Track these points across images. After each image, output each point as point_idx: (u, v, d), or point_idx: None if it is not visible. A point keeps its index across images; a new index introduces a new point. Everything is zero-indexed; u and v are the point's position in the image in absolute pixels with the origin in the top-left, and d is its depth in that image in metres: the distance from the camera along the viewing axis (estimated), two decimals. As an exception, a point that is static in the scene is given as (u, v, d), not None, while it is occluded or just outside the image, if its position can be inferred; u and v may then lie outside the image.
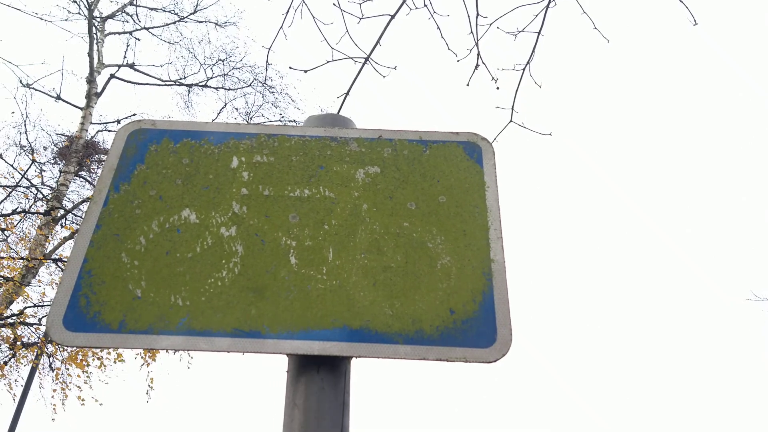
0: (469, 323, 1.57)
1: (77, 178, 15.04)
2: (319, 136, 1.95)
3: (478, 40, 6.02)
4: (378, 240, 1.71)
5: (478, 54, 6.25)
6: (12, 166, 12.37)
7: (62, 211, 12.57)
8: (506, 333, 1.56)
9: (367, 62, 5.73)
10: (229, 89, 16.89)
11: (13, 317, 10.20)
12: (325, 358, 1.53)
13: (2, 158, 13.11)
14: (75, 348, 1.48)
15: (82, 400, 11.98)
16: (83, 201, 14.51)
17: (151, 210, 1.75)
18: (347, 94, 5.42)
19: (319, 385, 1.50)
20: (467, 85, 5.51)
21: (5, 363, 11.21)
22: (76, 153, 14.79)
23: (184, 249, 1.67)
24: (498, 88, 7.12)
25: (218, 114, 16.35)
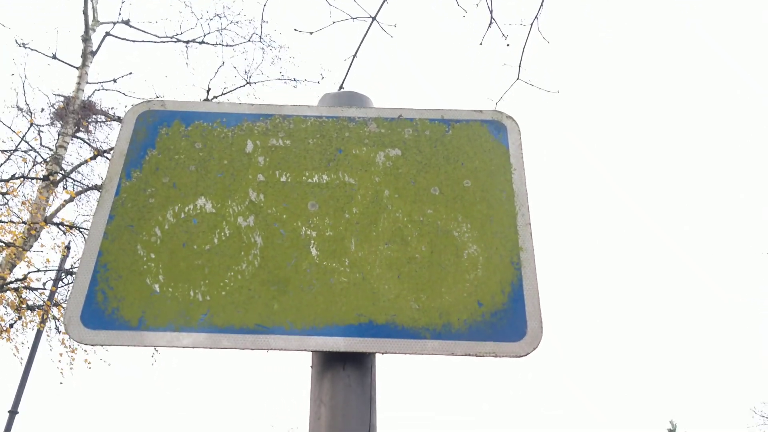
0: (498, 316, 1.52)
1: (75, 139, 14.88)
2: (336, 116, 1.87)
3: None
4: (401, 229, 1.65)
5: (491, 11, 6.07)
6: (10, 128, 12.22)
7: (61, 175, 12.48)
8: (537, 326, 1.51)
9: (374, 23, 5.56)
10: (228, 45, 16.57)
11: (17, 282, 10.22)
12: (351, 354, 1.49)
13: (0, 121, 12.95)
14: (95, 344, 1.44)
15: (89, 363, 12.12)
16: (82, 163, 14.40)
17: (164, 199, 1.68)
18: (355, 55, 5.29)
19: (346, 381, 1.47)
20: (480, 43, 5.36)
21: (10, 326, 11.30)
22: (74, 114, 14.61)
23: (201, 240, 1.61)
24: (508, 45, 6.94)
25: (216, 71, 16.07)
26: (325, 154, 1.78)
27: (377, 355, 1.57)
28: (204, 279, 1.55)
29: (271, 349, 1.46)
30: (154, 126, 1.83)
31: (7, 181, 10.25)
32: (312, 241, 1.62)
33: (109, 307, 1.50)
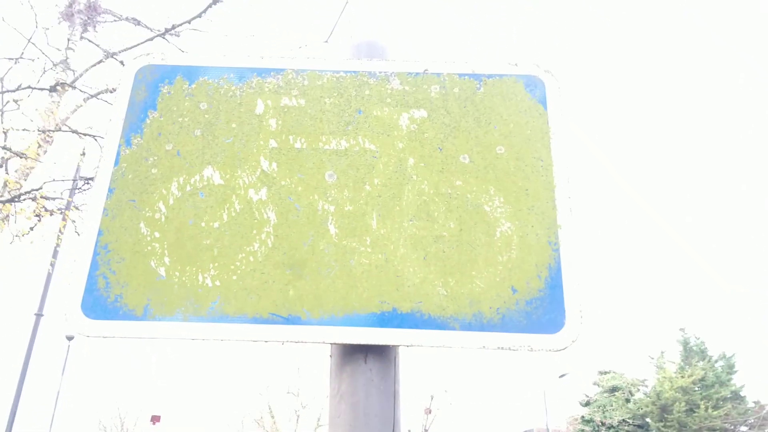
0: (534, 304, 1.39)
1: (83, 40, 14.50)
2: (354, 71, 1.68)
3: None
4: (427, 203, 1.50)
5: None
6: (16, 29, 11.87)
7: (69, 85, 12.24)
8: (576, 316, 1.38)
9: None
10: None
11: (33, 191, 10.20)
12: (373, 345, 1.38)
13: (5, 21, 12.58)
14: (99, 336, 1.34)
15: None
16: (91, 67, 14.10)
17: (168, 169, 1.53)
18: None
19: (368, 375, 1.36)
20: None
21: (31, 229, 11.37)
22: (79, 14, 14.19)
23: (209, 217, 1.48)
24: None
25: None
26: (344, 116, 1.61)
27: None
28: (213, 261, 1.42)
29: (288, 341, 1.35)
30: (155, 84, 1.66)
31: (13, 91, 10.03)
32: (330, 217, 1.48)
33: (111, 294, 1.39)
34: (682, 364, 33.82)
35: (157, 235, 1.45)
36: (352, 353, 1.39)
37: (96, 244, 1.44)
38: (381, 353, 1.39)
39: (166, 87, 1.65)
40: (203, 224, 1.47)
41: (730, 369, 32.89)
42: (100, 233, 1.45)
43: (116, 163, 1.54)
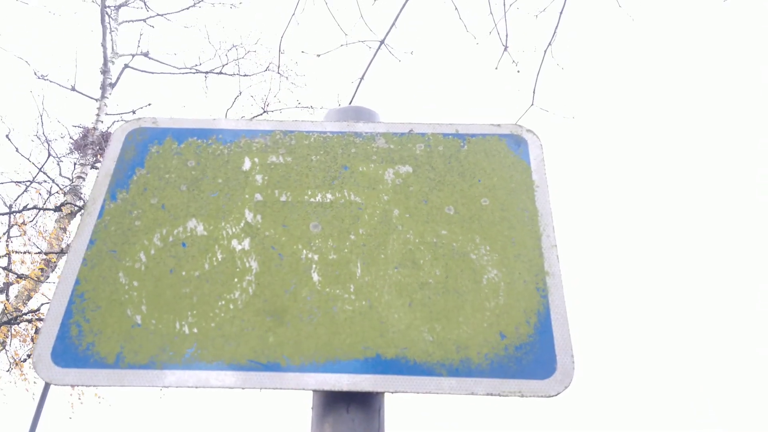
0: (524, 349, 1.34)
1: (94, 170, 14.95)
2: (341, 131, 1.72)
3: (497, 26, 5.75)
4: (412, 251, 1.48)
5: (506, 35, 5.96)
6: (29, 159, 12.28)
7: (78, 206, 12.48)
8: (567, 360, 1.32)
9: (382, 46, 5.47)
10: (245, 75, 16.67)
11: (31, 313, 10.12)
12: (356, 393, 1.31)
13: (19, 152, 13.04)
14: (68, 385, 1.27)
15: (100, 397, 11.93)
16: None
17: (152, 221, 1.53)
18: (362, 78, 5.18)
19: (350, 425, 1.28)
20: (496, 68, 5.24)
21: (24, 360, 11.17)
22: (92, 145, 14.70)
23: (190, 266, 1.45)
24: (519, 71, 6.83)
25: (233, 102, 16.16)
26: (329, 172, 1.63)
27: (386, 394, 1.39)
28: (192, 309, 1.38)
29: (265, 388, 1.28)
30: (144, 144, 1.69)
31: (20, 211, 10.23)
32: (313, 266, 1.45)
33: (83, 342, 1.33)
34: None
35: (135, 284, 1.42)
36: (333, 403, 1.31)
37: (72, 293, 1.40)
38: (364, 403, 1.32)
39: (155, 147, 1.68)
40: (184, 273, 1.44)
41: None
42: (77, 282, 1.42)
43: (100, 216, 1.54)
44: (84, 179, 14.19)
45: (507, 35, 5.37)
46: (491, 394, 1.28)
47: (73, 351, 1.32)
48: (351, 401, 1.31)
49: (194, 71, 16.77)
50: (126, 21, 17.15)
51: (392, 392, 1.28)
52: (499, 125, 1.74)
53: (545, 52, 6.29)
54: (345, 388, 1.28)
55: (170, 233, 1.51)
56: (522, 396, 1.28)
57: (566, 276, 1.45)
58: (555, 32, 6.25)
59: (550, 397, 1.29)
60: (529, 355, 1.33)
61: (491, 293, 1.41)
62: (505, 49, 5.36)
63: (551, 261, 1.47)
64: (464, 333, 1.36)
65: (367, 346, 1.33)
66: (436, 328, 1.36)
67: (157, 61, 16.86)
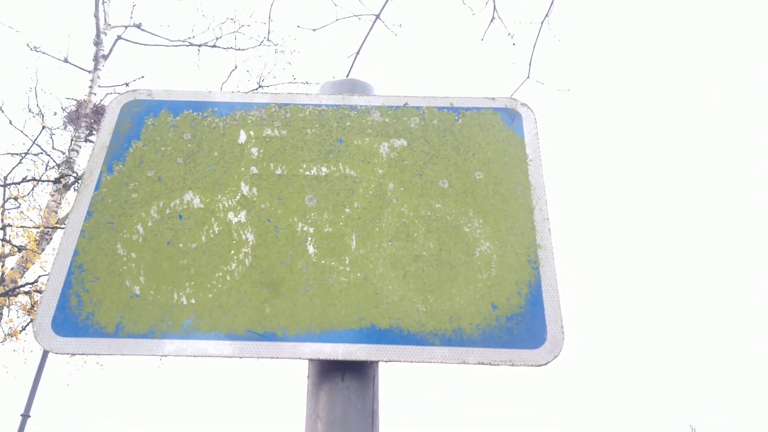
0: (515, 320, 1.37)
1: (87, 143, 14.88)
2: (336, 105, 1.72)
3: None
4: (407, 224, 1.50)
5: (494, 7, 5.93)
6: (23, 132, 12.21)
7: (73, 178, 12.45)
8: (557, 331, 1.35)
9: (377, 20, 5.44)
10: (240, 49, 16.51)
11: (28, 285, 10.17)
12: (351, 362, 1.35)
13: (12, 125, 12.95)
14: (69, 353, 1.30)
15: (101, 363, 12.04)
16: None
17: (149, 193, 1.54)
18: (358, 53, 5.16)
19: (345, 393, 1.32)
20: (482, 39, 5.21)
21: (23, 329, 11.23)
22: (86, 117, 14.60)
23: (187, 238, 1.47)
24: (514, 44, 6.79)
25: (228, 76, 16.02)
26: (325, 145, 1.64)
27: (380, 363, 1.42)
28: (189, 280, 1.41)
29: (262, 357, 1.31)
30: (140, 116, 1.69)
31: (18, 183, 10.21)
32: (309, 238, 1.47)
33: (83, 312, 1.36)
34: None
35: (133, 255, 1.44)
36: (329, 371, 1.34)
37: (71, 264, 1.42)
38: (359, 372, 1.35)
39: (150, 119, 1.69)
40: (181, 245, 1.46)
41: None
42: (75, 253, 1.44)
43: (96, 188, 1.55)
44: (78, 152, 14.12)
45: (495, 8, 5.33)
46: (482, 363, 1.31)
47: (73, 321, 1.35)
48: (346, 370, 1.34)
49: (187, 44, 16.59)
50: (118, -9, 16.93)
51: (386, 361, 1.31)
52: (493, 99, 1.75)
53: (542, 23, 6.25)
54: (340, 357, 1.31)
55: (167, 206, 1.52)
56: (512, 365, 1.31)
57: (558, 249, 1.48)
58: (552, 2, 6.21)
59: (539, 366, 1.32)
60: (520, 326, 1.36)
61: (484, 265, 1.44)
62: (492, 20, 5.33)
63: (543, 234, 1.49)
64: (457, 304, 1.38)
65: (362, 316, 1.36)
66: (430, 299, 1.39)
67: (149, 33, 16.66)
